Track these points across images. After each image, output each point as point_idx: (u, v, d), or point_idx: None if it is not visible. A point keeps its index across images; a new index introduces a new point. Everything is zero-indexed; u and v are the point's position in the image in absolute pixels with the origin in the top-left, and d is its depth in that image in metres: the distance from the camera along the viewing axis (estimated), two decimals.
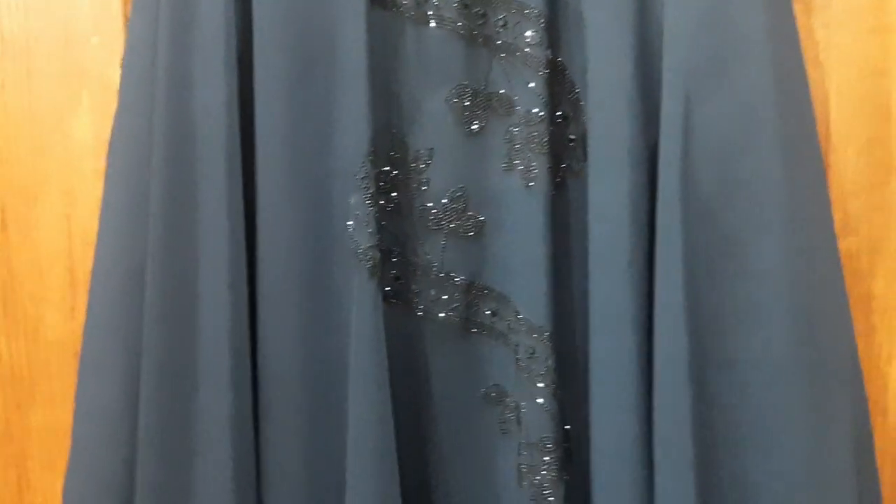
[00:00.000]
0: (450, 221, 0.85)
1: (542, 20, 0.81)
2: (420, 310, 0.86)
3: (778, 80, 0.77)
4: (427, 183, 0.85)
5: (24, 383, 0.96)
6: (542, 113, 0.82)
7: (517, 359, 0.83)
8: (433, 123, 0.84)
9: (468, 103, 0.84)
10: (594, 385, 0.82)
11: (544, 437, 0.82)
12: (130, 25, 0.83)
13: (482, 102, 0.84)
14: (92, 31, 0.92)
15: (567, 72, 0.84)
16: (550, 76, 0.82)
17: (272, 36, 0.81)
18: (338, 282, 0.83)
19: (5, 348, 0.95)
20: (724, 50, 0.77)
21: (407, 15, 0.83)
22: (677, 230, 0.78)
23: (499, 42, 0.83)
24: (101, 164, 0.87)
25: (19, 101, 0.93)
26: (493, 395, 0.86)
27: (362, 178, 0.80)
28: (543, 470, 0.82)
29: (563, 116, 0.84)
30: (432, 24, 0.83)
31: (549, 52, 0.81)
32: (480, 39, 0.83)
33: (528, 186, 0.82)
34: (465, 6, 0.82)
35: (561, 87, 0.84)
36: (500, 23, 0.82)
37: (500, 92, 0.84)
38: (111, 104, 0.85)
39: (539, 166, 0.82)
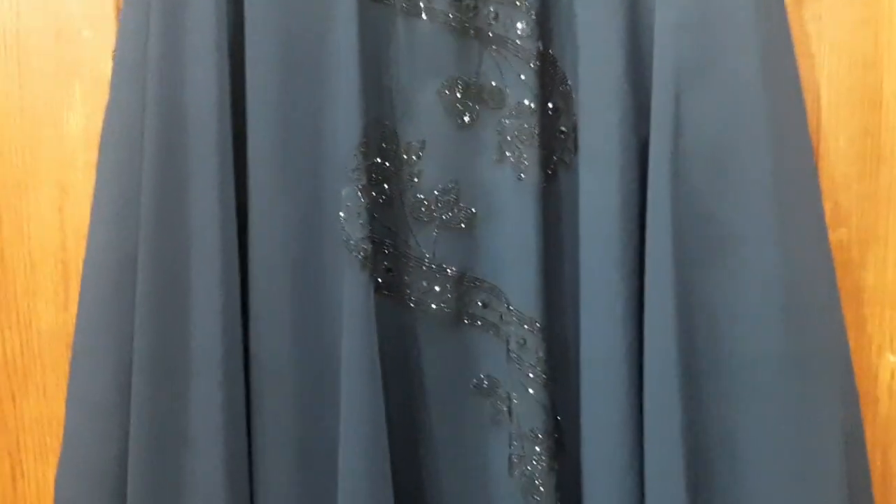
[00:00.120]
0: (441, 213, 0.85)
1: (533, 12, 0.81)
2: (412, 301, 0.86)
3: (767, 73, 0.77)
4: (419, 175, 0.85)
5: (18, 375, 0.96)
6: (533, 105, 0.82)
7: (508, 350, 0.84)
8: (425, 115, 0.84)
9: (459, 95, 0.84)
10: (585, 376, 0.82)
11: (535, 427, 0.82)
12: (122, 19, 0.83)
13: (473, 95, 0.84)
14: (84, 25, 0.92)
15: (558, 64, 0.84)
16: (542, 68, 0.82)
17: (264, 29, 0.81)
18: (330, 273, 0.83)
19: None
20: (714, 44, 0.78)
21: (398, 7, 0.83)
22: (667, 222, 0.78)
23: (490, 34, 0.83)
24: (93, 156, 0.87)
25: (11, 94, 0.93)
26: (485, 385, 0.87)
27: (354, 169, 0.80)
28: (534, 460, 0.82)
29: (555, 109, 0.84)
30: (424, 16, 0.83)
31: (540, 44, 0.82)
32: (472, 32, 0.83)
33: (519, 178, 0.82)
34: None
35: (552, 80, 0.84)
36: (492, 15, 0.82)
37: (492, 84, 0.84)
38: (103, 97, 0.85)
39: (530, 158, 0.82)
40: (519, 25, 0.81)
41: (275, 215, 0.83)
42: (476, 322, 0.87)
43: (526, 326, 0.82)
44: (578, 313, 0.83)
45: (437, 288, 0.86)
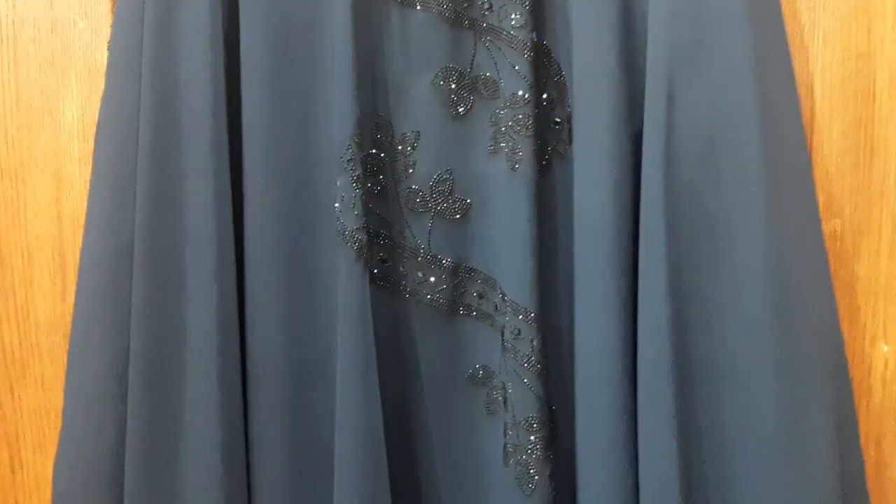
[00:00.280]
0: (436, 204, 0.86)
1: (528, 3, 0.81)
2: (407, 292, 0.87)
3: (759, 63, 0.77)
4: (413, 165, 0.85)
5: (16, 365, 0.97)
6: (527, 96, 0.82)
7: (503, 340, 0.84)
8: (419, 106, 0.85)
9: (454, 86, 0.84)
10: (579, 365, 0.82)
11: (530, 416, 0.82)
12: (117, 9, 0.83)
13: (468, 85, 0.84)
14: (79, 16, 0.92)
15: (553, 55, 0.84)
16: (536, 59, 0.82)
17: (258, 20, 0.82)
18: (325, 264, 0.84)
19: None
20: (707, 35, 0.78)
21: None
22: (660, 212, 0.78)
23: (484, 25, 0.83)
24: (89, 147, 0.87)
25: (7, 85, 0.93)
26: (480, 375, 0.87)
27: (348, 160, 0.80)
28: (529, 449, 0.82)
29: (549, 99, 0.84)
30: (418, 6, 0.83)
31: (534, 35, 0.82)
32: (466, 22, 0.83)
33: (513, 169, 0.83)
34: None
35: (546, 70, 0.84)
36: (486, 6, 0.83)
37: (486, 75, 0.84)
38: (99, 88, 0.85)
39: (524, 149, 0.82)
40: (513, 16, 0.81)
41: (270, 207, 0.83)
42: (471, 312, 0.87)
43: (520, 317, 0.82)
44: (573, 303, 0.83)
45: (432, 278, 0.86)
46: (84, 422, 0.84)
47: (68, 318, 0.86)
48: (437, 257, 0.86)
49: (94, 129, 0.84)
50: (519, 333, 0.83)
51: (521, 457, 0.83)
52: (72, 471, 0.84)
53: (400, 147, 0.85)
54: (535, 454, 0.82)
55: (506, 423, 0.85)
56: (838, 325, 0.83)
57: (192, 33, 0.80)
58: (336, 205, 0.82)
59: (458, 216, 0.86)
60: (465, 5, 0.83)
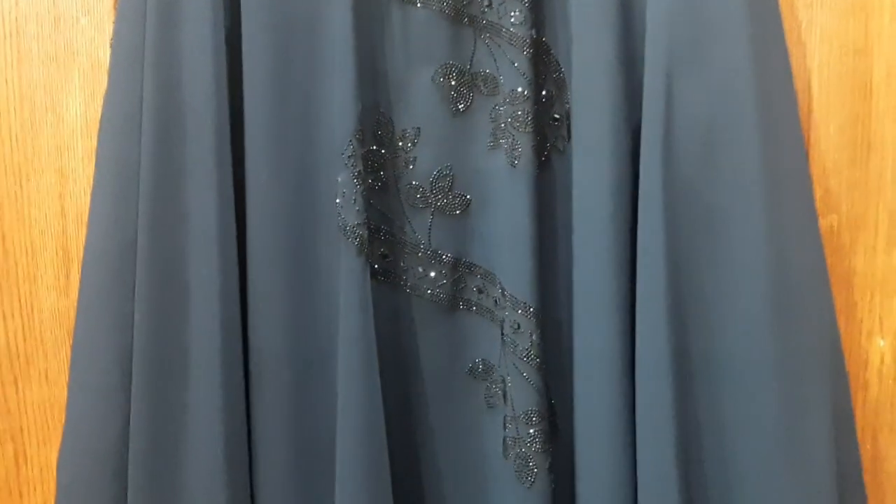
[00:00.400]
0: (436, 199, 0.86)
1: (527, 0, 0.81)
2: (407, 287, 0.87)
3: (757, 59, 0.77)
4: (414, 161, 0.86)
5: (20, 360, 0.97)
6: (526, 92, 0.82)
7: (503, 334, 0.85)
8: (419, 103, 0.85)
9: (454, 83, 0.85)
10: (578, 359, 0.83)
11: (529, 410, 0.83)
12: (119, 6, 0.83)
13: (468, 82, 0.85)
14: (81, 12, 0.92)
15: (552, 51, 0.84)
16: (535, 56, 0.83)
17: (259, 16, 0.82)
18: (326, 259, 0.84)
19: (1, 326, 0.96)
20: (705, 31, 0.78)
21: None
22: (659, 208, 0.79)
23: (484, 22, 0.83)
24: (92, 143, 0.87)
25: (10, 81, 0.93)
26: (480, 369, 0.88)
27: (349, 156, 0.81)
28: (528, 442, 0.83)
29: (548, 96, 0.85)
30: (418, 4, 0.84)
31: (533, 31, 0.82)
32: (465, 19, 0.84)
33: (513, 165, 0.83)
34: None
35: (546, 67, 0.85)
36: (485, 3, 0.83)
37: (486, 71, 0.84)
38: (102, 84, 0.85)
39: (524, 145, 0.83)
40: (512, 13, 0.82)
41: (272, 202, 0.83)
42: (471, 307, 0.88)
43: (520, 311, 0.83)
44: (572, 298, 0.83)
45: (432, 274, 0.87)
46: (88, 416, 0.84)
47: (72, 314, 0.87)
48: (437, 252, 0.87)
49: (97, 126, 0.84)
50: (518, 328, 0.83)
51: (521, 450, 0.84)
52: (76, 464, 0.84)
53: (400, 143, 0.86)
54: (535, 447, 0.83)
55: (505, 417, 0.85)
56: (835, 319, 0.84)
57: (193, 30, 0.81)
58: (337, 200, 0.82)
59: (458, 212, 0.86)
60: (464, 2, 0.83)
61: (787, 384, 0.79)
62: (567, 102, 0.84)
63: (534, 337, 0.83)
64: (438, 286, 0.87)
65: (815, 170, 0.91)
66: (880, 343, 0.94)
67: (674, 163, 0.79)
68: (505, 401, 0.85)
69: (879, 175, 0.91)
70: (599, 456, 0.82)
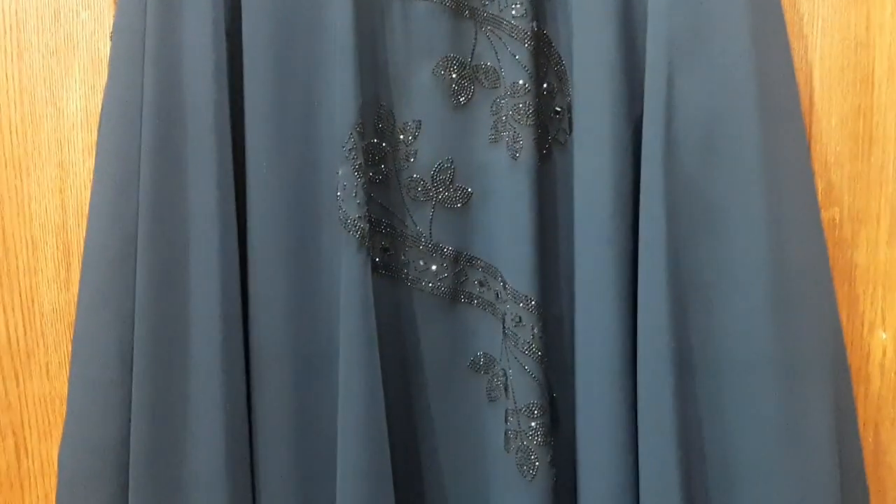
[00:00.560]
0: (438, 193, 0.86)
1: None
2: (408, 280, 0.87)
3: (758, 51, 0.77)
4: (415, 155, 0.86)
5: (21, 354, 0.97)
6: (527, 85, 0.82)
7: (504, 327, 0.85)
8: (420, 96, 0.85)
9: (455, 76, 0.85)
10: (579, 353, 0.83)
11: (531, 403, 0.83)
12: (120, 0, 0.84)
13: (469, 75, 0.85)
14: (81, 6, 0.92)
15: (553, 44, 0.84)
16: (536, 48, 0.83)
17: (260, 8, 0.82)
18: (327, 253, 0.84)
19: (2, 320, 0.97)
20: (706, 24, 0.78)
21: None
22: (660, 201, 0.79)
23: (485, 14, 0.83)
24: (93, 136, 0.87)
25: (10, 74, 0.93)
26: (481, 363, 0.88)
27: (350, 149, 0.81)
28: (530, 435, 0.83)
29: (549, 88, 0.85)
30: None
31: (534, 24, 0.82)
32: (466, 12, 0.84)
33: (514, 158, 0.83)
34: None
35: (547, 60, 0.84)
36: None
37: (487, 64, 0.84)
38: (102, 78, 0.85)
39: (525, 138, 0.82)
40: (513, 6, 0.82)
41: (272, 196, 0.83)
42: (472, 300, 0.88)
43: (521, 304, 0.83)
44: (573, 291, 0.83)
45: (433, 267, 0.87)
46: (89, 410, 0.84)
47: (73, 307, 0.87)
48: (438, 246, 0.87)
49: (97, 119, 0.84)
50: (520, 321, 0.83)
51: (523, 443, 0.84)
52: (77, 458, 0.85)
53: (401, 136, 0.86)
54: (536, 440, 0.83)
55: (507, 410, 0.85)
56: (837, 312, 0.84)
57: (194, 23, 0.81)
58: (338, 193, 0.82)
59: (459, 205, 0.86)
60: None
61: (788, 376, 0.79)
62: (568, 95, 0.84)
63: (535, 330, 0.83)
64: (440, 279, 0.87)
65: (817, 163, 0.91)
66: (882, 336, 0.94)
67: (675, 155, 0.79)
68: (506, 394, 0.85)
69: (881, 168, 0.91)
70: (601, 449, 0.82)
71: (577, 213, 0.82)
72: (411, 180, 0.86)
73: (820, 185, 0.90)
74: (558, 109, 0.85)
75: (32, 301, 0.96)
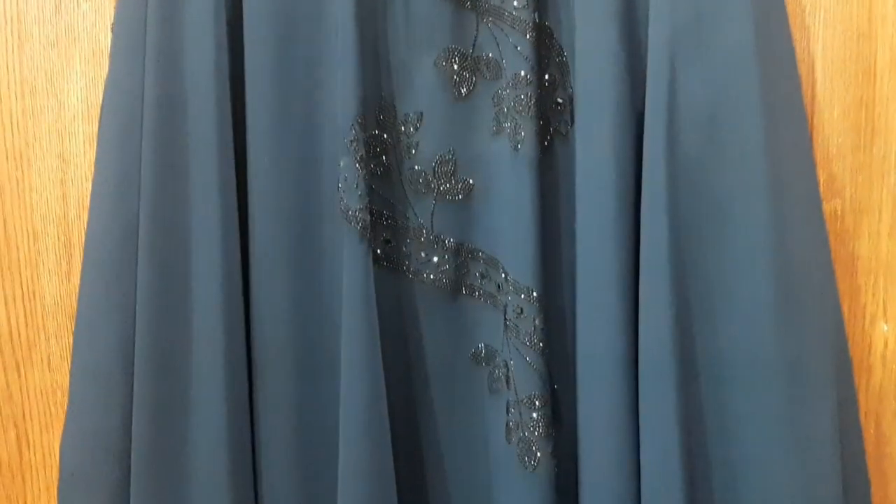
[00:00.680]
0: (439, 185, 0.86)
1: None
2: (410, 272, 0.87)
3: (761, 44, 0.77)
4: (416, 146, 0.86)
5: (23, 346, 0.97)
6: (529, 76, 0.82)
7: (506, 319, 0.84)
8: (422, 87, 0.85)
9: (456, 67, 0.85)
10: (581, 345, 0.83)
11: (532, 394, 0.83)
12: None
13: (470, 66, 0.85)
14: None
15: (555, 35, 0.84)
16: (538, 39, 0.82)
17: (261, 1, 0.82)
18: (329, 245, 0.84)
19: (3, 312, 0.97)
20: (709, 15, 0.78)
21: None
22: (663, 191, 0.79)
23: (486, 5, 0.83)
24: (94, 128, 0.87)
25: (11, 66, 0.93)
26: (483, 354, 0.88)
27: (352, 141, 0.81)
28: (531, 427, 0.83)
29: (551, 80, 0.85)
30: None
31: (536, 15, 0.82)
32: (468, 3, 0.83)
33: (516, 149, 0.83)
34: None
35: (549, 51, 0.84)
36: None
37: (488, 55, 0.84)
38: (102, 70, 0.85)
39: (527, 129, 0.82)
40: None
41: (274, 188, 0.83)
42: (474, 292, 0.88)
43: (523, 296, 0.83)
44: (575, 283, 0.83)
45: (435, 259, 0.87)
46: (91, 401, 0.84)
47: (74, 299, 0.87)
48: (439, 237, 0.87)
49: (98, 111, 0.84)
50: (521, 312, 0.83)
51: (524, 434, 0.84)
52: (79, 449, 0.85)
53: (403, 128, 0.86)
54: (538, 431, 0.83)
55: (508, 401, 0.85)
56: (839, 304, 0.84)
57: (195, 14, 0.80)
58: (339, 185, 0.82)
59: (460, 196, 0.86)
60: None
61: (791, 371, 0.79)
62: (570, 87, 0.84)
63: (537, 322, 0.83)
64: (441, 271, 0.87)
65: (819, 154, 0.91)
66: (884, 328, 0.94)
67: (677, 147, 0.79)
68: (508, 385, 0.85)
69: (883, 159, 0.91)
70: (601, 440, 0.82)
71: (578, 205, 0.82)
72: (413, 172, 0.86)
73: (822, 177, 0.90)
74: (560, 101, 0.85)
75: (34, 293, 0.97)
